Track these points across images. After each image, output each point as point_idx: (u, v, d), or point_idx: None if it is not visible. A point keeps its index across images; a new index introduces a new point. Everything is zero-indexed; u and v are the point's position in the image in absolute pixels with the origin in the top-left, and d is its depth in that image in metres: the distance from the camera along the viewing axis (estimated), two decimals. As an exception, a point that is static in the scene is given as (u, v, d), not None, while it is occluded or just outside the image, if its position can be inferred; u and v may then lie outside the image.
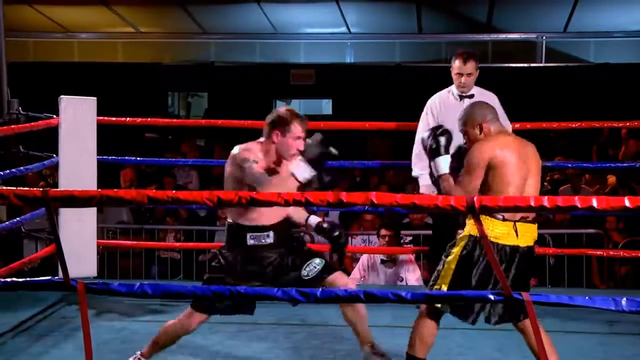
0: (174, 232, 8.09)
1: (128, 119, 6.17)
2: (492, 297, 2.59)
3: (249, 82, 14.09)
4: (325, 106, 15.13)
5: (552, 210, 2.80)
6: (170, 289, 2.78)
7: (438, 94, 5.33)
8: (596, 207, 2.46)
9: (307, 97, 15.16)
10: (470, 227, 3.52)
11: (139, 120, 6.27)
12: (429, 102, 5.33)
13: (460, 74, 5.13)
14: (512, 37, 13.96)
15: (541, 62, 13.59)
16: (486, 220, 3.38)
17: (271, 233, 3.83)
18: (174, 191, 2.65)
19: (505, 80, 12.76)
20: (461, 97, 5.16)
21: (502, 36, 13.89)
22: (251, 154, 3.85)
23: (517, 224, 3.46)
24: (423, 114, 5.33)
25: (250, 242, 3.82)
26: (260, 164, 3.82)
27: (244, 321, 5.06)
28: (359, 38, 14.59)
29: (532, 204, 2.50)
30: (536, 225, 3.56)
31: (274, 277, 3.84)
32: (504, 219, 3.45)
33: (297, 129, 3.92)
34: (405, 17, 13.73)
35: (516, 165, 3.48)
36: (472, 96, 5.10)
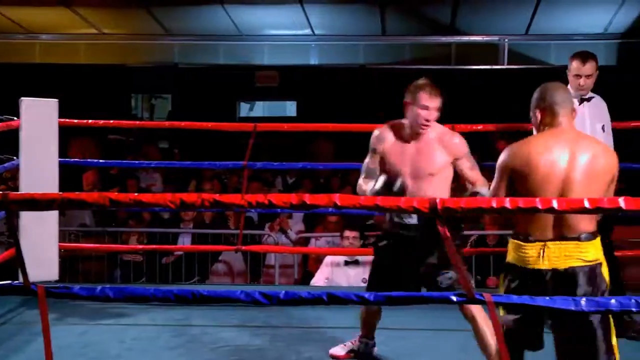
0: (136, 235, 8.03)
1: (90, 120, 6.12)
2: (454, 298, 2.60)
3: (213, 84, 14.03)
4: (290, 108, 15.11)
5: (514, 212, 2.82)
6: (133, 292, 2.76)
7: None
8: (556, 208, 2.48)
9: (271, 99, 15.12)
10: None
11: (101, 122, 6.22)
12: None
13: (578, 75, 4.80)
14: (475, 39, 14.04)
15: (504, 64, 13.70)
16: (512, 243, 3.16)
17: (415, 215, 3.78)
18: (136, 194, 2.63)
19: (468, 81, 12.85)
20: (581, 101, 4.80)
21: (465, 38, 13.97)
22: (376, 139, 3.99)
23: (547, 243, 3.07)
24: None
25: (395, 219, 3.88)
26: (384, 145, 3.94)
27: (207, 324, 5.06)
28: (323, 40, 14.59)
29: (494, 205, 2.52)
30: (585, 242, 3.07)
31: (406, 260, 3.87)
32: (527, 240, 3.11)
33: (423, 97, 3.87)
34: (369, 19, 13.75)
35: (545, 175, 3.07)
36: (590, 99, 4.83)
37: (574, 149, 3.09)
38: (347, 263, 6.51)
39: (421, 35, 14.23)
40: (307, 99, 14.30)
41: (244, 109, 15.26)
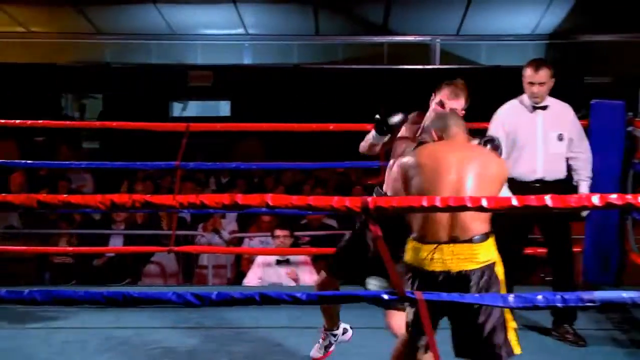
0: (67, 237, 7.90)
1: (17, 121, 6.00)
2: (385, 296, 2.62)
3: (146, 84, 13.90)
4: (224, 107, 15.05)
5: (444, 210, 2.85)
6: (62, 295, 2.71)
7: (509, 103, 5.01)
8: (486, 206, 2.52)
9: (204, 99, 15.04)
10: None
11: (29, 122, 6.08)
12: (499, 111, 4.98)
13: (532, 83, 4.81)
14: (408, 40, 14.19)
15: (436, 64, 13.87)
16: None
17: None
18: (65, 195, 2.59)
19: (401, 81, 12.96)
20: (534, 108, 4.84)
21: (398, 38, 14.10)
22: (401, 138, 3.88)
23: (441, 245, 3.11)
24: (492, 124, 4.94)
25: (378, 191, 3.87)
26: (402, 141, 3.84)
27: (138, 326, 5.01)
28: (256, 39, 14.57)
29: (425, 204, 2.55)
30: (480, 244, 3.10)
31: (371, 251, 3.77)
32: (422, 241, 3.16)
33: (444, 94, 3.83)
34: (303, 18, 13.79)
35: (436, 177, 3.17)
36: (545, 107, 4.83)
37: (464, 155, 3.23)
38: (278, 262, 6.51)
39: (354, 35, 14.32)
40: (240, 98, 14.26)
41: (177, 109, 15.15)
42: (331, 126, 5.94)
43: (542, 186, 4.68)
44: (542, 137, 4.77)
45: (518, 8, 13.26)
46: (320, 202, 2.59)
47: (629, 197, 2.48)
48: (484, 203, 2.55)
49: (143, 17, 13.72)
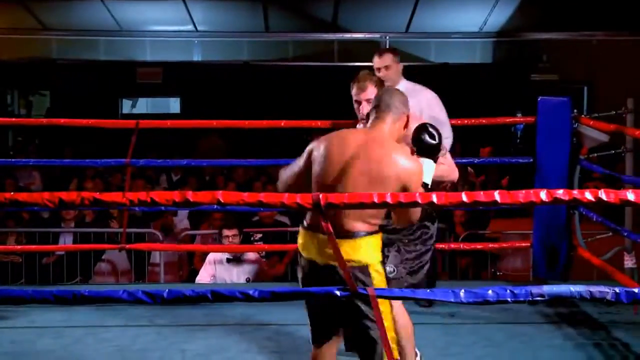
0: (14, 235, 7.78)
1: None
2: (338, 292, 2.63)
3: (94, 80, 13.73)
4: (173, 104, 14.94)
5: (395, 206, 2.87)
6: (9, 294, 2.67)
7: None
8: (435, 202, 2.54)
9: (154, 96, 14.91)
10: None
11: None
12: None
13: (378, 69, 4.90)
14: (357, 37, 14.21)
15: (385, 62, 13.92)
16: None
17: None
18: (12, 192, 2.55)
19: (351, 78, 12.99)
20: None
21: (347, 35, 14.11)
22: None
23: (317, 234, 3.03)
24: None
25: None
26: None
27: (91, 324, 4.95)
28: (206, 36, 14.47)
29: (376, 200, 2.56)
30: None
31: None
32: (303, 226, 3.13)
33: (353, 91, 3.81)
34: (253, 15, 13.72)
35: (328, 165, 3.09)
36: None
37: (362, 149, 3.06)
38: (229, 260, 6.48)
39: (304, 32, 14.31)
40: (190, 95, 14.17)
41: (126, 106, 14.99)
42: (282, 123, 5.93)
43: None
44: None
45: (466, 6, 13.36)
46: (272, 199, 2.59)
47: (576, 192, 2.52)
48: (434, 199, 2.57)
49: (90, 13, 13.53)
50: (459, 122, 6.17)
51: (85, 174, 9.73)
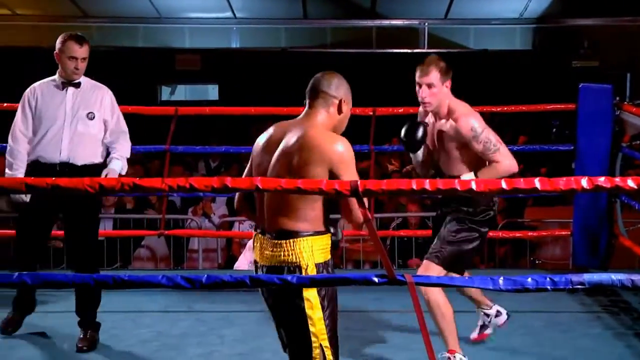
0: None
1: (5, 104, 5.96)
2: (376, 279, 2.62)
3: (132, 68, 13.82)
4: (212, 91, 15.00)
5: (433, 193, 2.85)
6: (52, 278, 2.70)
7: (38, 83, 4.72)
8: (475, 189, 2.52)
9: (192, 83, 14.98)
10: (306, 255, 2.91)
11: (5, 105, 6.03)
12: (27, 91, 4.69)
13: (75, 58, 4.62)
14: (396, 24, 14.15)
15: (424, 48, 13.84)
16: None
17: None
18: (52, 178, 2.58)
19: (389, 66, 12.95)
20: (63, 85, 4.64)
21: (386, 22, 14.06)
22: None
23: (259, 235, 2.97)
24: (21, 103, 4.67)
25: None
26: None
27: (130, 309, 5.01)
28: (244, 23, 14.50)
29: (415, 187, 2.54)
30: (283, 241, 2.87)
31: None
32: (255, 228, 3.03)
33: (416, 74, 3.97)
34: (291, 2, 13.73)
35: (255, 160, 3.04)
36: (78, 84, 4.67)
37: (287, 137, 2.93)
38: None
39: (342, 18, 14.27)
40: (229, 82, 14.21)
41: (165, 93, 15.08)
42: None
43: (69, 170, 4.44)
44: (72, 116, 4.59)
45: (506, -8, 13.27)
46: (310, 185, 2.58)
47: (617, 179, 2.48)
48: (473, 186, 2.54)
49: (129, 1, 13.63)
50: (498, 109, 6.13)
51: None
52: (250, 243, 6.64)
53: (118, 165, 4.63)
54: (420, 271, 3.77)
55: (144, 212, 8.00)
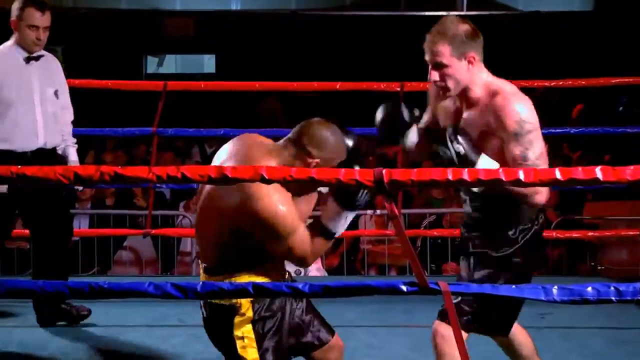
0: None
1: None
2: (404, 287, 2.63)
3: (114, 33, 13.86)
4: (208, 63, 15.02)
5: (473, 185, 2.85)
6: (17, 286, 2.72)
7: None
8: (523, 180, 2.52)
9: (184, 52, 15.01)
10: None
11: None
12: None
13: (36, 27, 4.63)
14: (429, -20, 14.13)
15: (462, 10, 13.81)
16: None
17: None
18: (18, 166, 2.59)
19: (422, 30, 12.91)
20: (28, 60, 4.69)
21: (417, -22, 14.05)
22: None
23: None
24: None
25: None
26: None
27: (109, 323, 5.04)
28: (246, -20, 14.53)
29: (450, 177, 2.55)
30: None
31: None
32: None
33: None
34: (302, -45, 13.74)
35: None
36: (40, 58, 4.74)
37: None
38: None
39: (365, -25, 14.25)
40: (228, 51, 14.21)
41: (151, 64, 15.11)
42: (337, 85, 5.93)
43: (42, 158, 4.54)
44: (40, 94, 4.67)
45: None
46: (325, 175, 2.59)
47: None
48: (521, 176, 2.54)
49: (111, -46, 13.68)
50: (552, 83, 6.11)
51: (105, 144, 9.85)
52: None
53: (76, 156, 4.77)
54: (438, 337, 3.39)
55: (127, 207, 8.04)
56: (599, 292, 2.52)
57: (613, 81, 6.19)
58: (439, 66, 3.30)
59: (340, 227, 3.11)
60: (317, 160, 3.10)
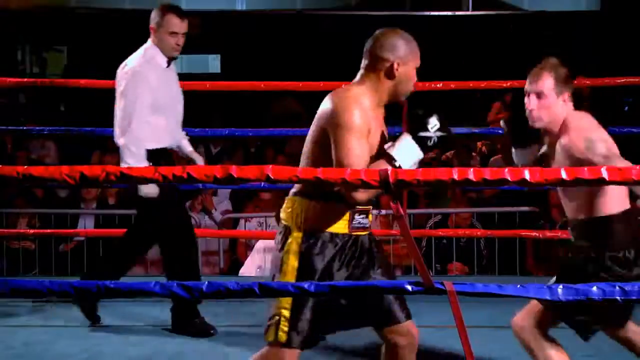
0: (27, 217, 7.93)
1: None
2: (409, 287, 2.63)
3: (118, 33, 13.85)
4: (213, 63, 15.02)
5: (478, 184, 2.86)
6: (22, 286, 2.73)
7: (138, 58, 4.93)
8: (529, 180, 2.52)
9: (190, 52, 14.95)
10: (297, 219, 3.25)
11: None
12: (137, 68, 4.86)
13: (176, 34, 4.85)
14: (435, -21, 14.12)
15: (468, 10, 13.79)
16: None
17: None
18: (25, 166, 2.59)
19: (426, 30, 12.91)
20: (169, 62, 4.93)
21: (423, -23, 14.03)
22: None
23: None
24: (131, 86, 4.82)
25: None
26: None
27: (115, 323, 5.04)
28: (252, -20, 14.53)
29: (456, 177, 2.55)
30: None
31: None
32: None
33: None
34: (307, -46, 13.74)
35: None
36: (172, 61, 4.95)
37: None
38: (282, 248, 6.53)
39: (370, -26, 14.25)
40: (233, 51, 14.21)
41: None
42: (343, 85, 5.91)
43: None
44: (179, 98, 4.99)
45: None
46: (331, 175, 2.60)
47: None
48: (526, 176, 2.55)
49: (115, -46, 13.69)
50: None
51: (110, 145, 9.86)
52: (258, 244, 6.66)
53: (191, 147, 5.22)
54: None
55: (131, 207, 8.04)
56: (605, 291, 2.53)
57: (618, 81, 6.18)
58: (539, 96, 3.56)
59: (404, 157, 3.14)
60: (394, 62, 3.24)
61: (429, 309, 4.71)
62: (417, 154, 3.16)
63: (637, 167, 2.48)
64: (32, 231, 7.45)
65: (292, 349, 3.24)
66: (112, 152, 9.55)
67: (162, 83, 4.80)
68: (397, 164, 3.11)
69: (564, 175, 2.49)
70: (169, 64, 4.87)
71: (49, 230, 7.38)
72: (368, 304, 3.25)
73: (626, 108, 12.16)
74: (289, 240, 3.20)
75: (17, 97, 13.21)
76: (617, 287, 2.51)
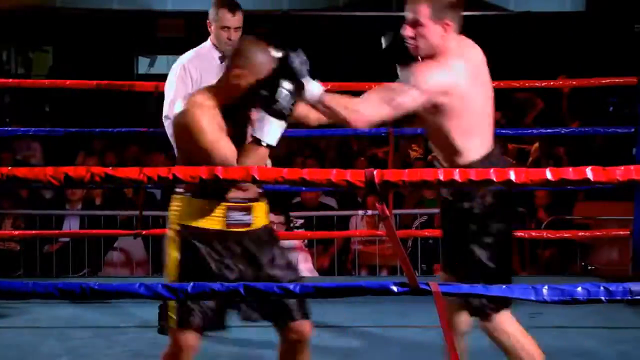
0: (11, 219, 7.90)
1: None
2: (395, 288, 2.63)
3: (105, 34, 13.84)
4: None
5: (464, 185, 2.86)
6: (7, 287, 2.72)
7: (195, 53, 5.04)
8: (514, 180, 2.52)
9: (176, 53, 14.95)
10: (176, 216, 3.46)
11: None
12: (184, 64, 5.00)
13: (228, 28, 4.88)
14: (420, -20, 14.13)
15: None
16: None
17: None
18: (9, 168, 2.59)
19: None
20: (221, 59, 4.88)
21: (409, -22, 14.04)
22: None
23: None
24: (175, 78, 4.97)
25: None
26: None
27: (100, 324, 5.03)
28: (237, -20, 14.51)
29: (442, 178, 2.55)
30: None
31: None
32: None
33: None
34: (294, -46, 13.73)
35: None
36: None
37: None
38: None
39: (356, -26, 14.24)
40: (219, 52, 14.19)
41: (143, 65, 15.09)
42: (329, 85, 5.91)
43: None
44: None
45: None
46: (316, 176, 2.59)
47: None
48: (512, 176, 2.55)
49: (101, -46, 13.66)
50: (543, 84, 6.12)
51: (95, 145, 9.84)
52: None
53: None
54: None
55: (120, 206, 8.03)
56: (589, 292, 2.53)
57: (603, 81, 6.20)
58: (415, 24, 3.40)
59: (267, 133, 3.19)
60: (239, 71, 3.36)
61: (415, 309, 4.74)
62: (278, 125, 3.22)
63: (622, 167, 2.48)
64: (17, 232, 7.43)
65: (188, 330, 3.40)
66: (98, 152, 9.57)
67: (209, 78, 4.75)
68: (264, 143, 3.17)
69: (548, 175, 2.49)
70: (222, 59, 4.83)
71: (33, 232, 7.37)
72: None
73: (611, 108, 12.19)
74: (169, 234, 3.43)
75: (2, 97, 13.16)
76: (602, 288, 2.51)
